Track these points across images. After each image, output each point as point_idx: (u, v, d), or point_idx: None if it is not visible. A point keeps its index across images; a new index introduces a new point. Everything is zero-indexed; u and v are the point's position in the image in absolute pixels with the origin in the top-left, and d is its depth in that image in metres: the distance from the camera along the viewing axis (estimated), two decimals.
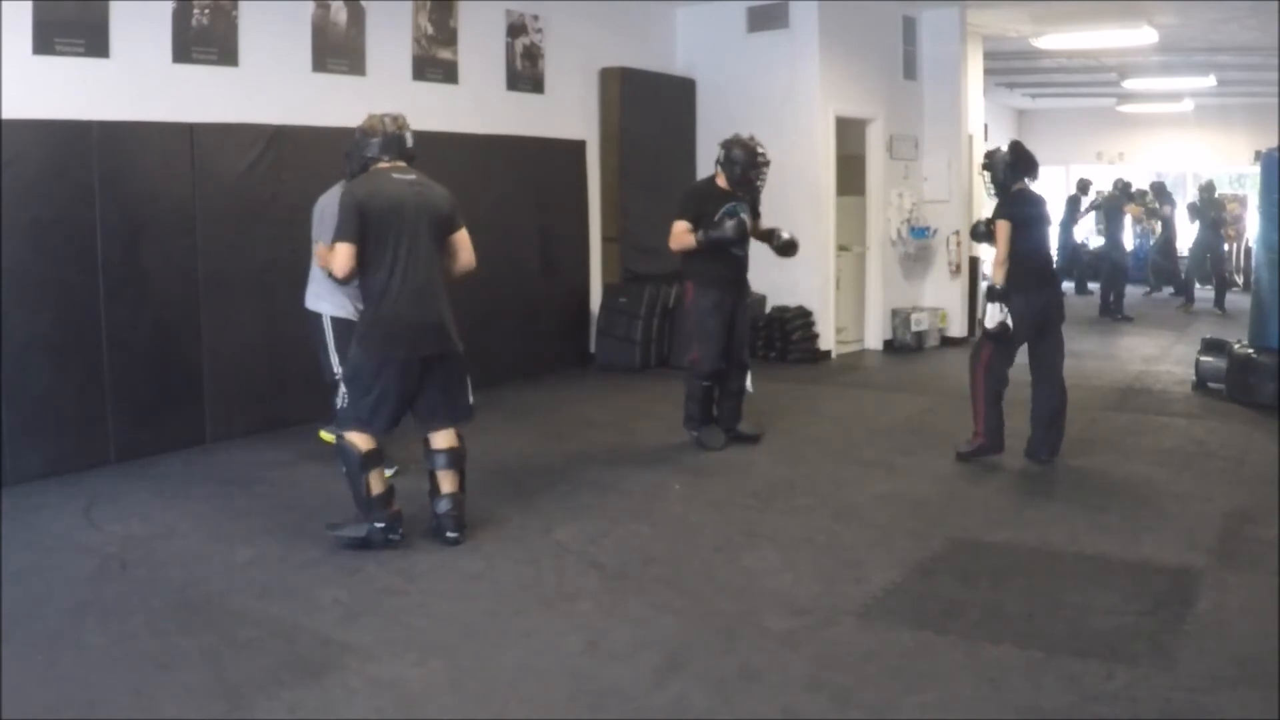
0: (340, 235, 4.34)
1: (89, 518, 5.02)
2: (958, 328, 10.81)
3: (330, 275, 4.51)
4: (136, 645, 3.60)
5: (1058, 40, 11.20)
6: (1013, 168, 5.89)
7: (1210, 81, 13.89)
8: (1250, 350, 7.64)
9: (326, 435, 5.06)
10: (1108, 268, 13.51)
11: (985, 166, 6.12)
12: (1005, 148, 6.08)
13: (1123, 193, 14.88)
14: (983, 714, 3.14)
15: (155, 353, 6.13)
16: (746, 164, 6.13)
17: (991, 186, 6.04)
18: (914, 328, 10.37)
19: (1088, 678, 3.32)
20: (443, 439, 4.63)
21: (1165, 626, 3.73)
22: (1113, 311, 13.03)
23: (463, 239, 4.66)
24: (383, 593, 4.07)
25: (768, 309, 9.76)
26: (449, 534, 4.60)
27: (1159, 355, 10.03)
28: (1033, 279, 5.77)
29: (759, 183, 6.21)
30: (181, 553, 4.54)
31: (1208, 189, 14.28)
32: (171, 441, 6.21)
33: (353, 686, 3.32)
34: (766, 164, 6.20)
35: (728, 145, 6.23)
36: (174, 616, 3.84)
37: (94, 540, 4.70)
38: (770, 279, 9.70)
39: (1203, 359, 8.10)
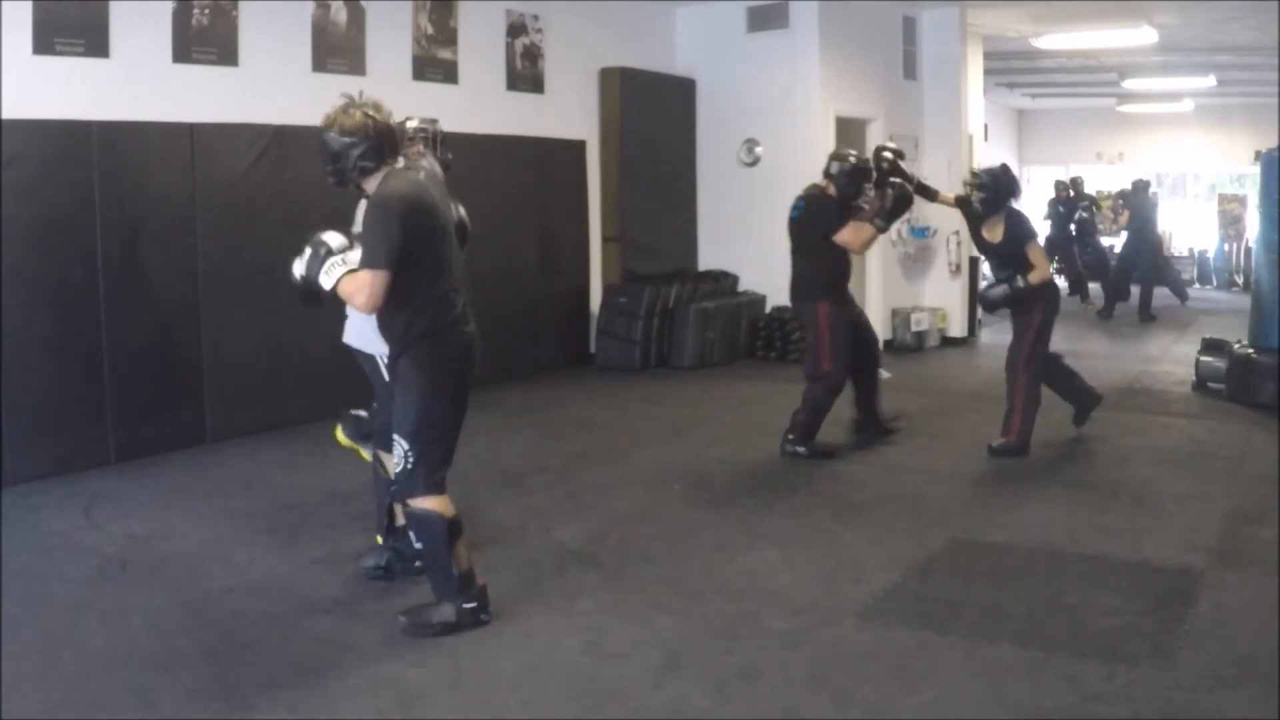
0: (378, 262, 3.40)
1: (89, 518, 5.02)
2: (958, 328, 10.81)
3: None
4: (136, 645, 3.60)
5: (1058, 40, 11.20)
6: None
7: (1210, 81, 13.87)
8: (1250, 350, 7.64)
9: (344, 438, 4.56)
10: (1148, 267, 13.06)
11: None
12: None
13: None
14: (983, 714, 3.14)
15: (155, 353, 6.13)
16: (859, 178, 6.07)
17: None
18: (914, 328, 10.37)
19: (1088, 678, 3.32)
20: None
21: (1165, 626, 3.73)
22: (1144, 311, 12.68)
23: None
24: (383, 593, 4.06)
25: (768, 309, 9.77)
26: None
27: (1159, 355, 10.02)
28: None
29: (869, 188, 6.11)
30: (181, 553, 4.54)
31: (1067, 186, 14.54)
32: (171, 441, 6.21)
33: (353, 686, 3.32)
34: (888, 165, 6.17)
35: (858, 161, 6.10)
36: (174, 616, 3.84)
37: (94, 540, 4.69)
38: (770, 279, 9.73)
39: (1203, 359, 8.09)
